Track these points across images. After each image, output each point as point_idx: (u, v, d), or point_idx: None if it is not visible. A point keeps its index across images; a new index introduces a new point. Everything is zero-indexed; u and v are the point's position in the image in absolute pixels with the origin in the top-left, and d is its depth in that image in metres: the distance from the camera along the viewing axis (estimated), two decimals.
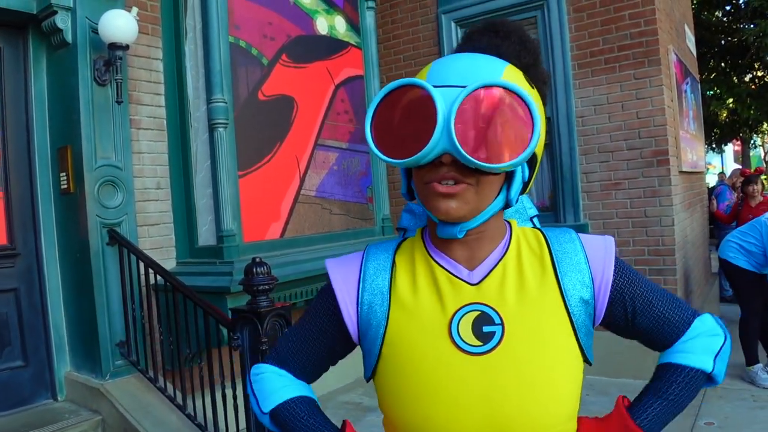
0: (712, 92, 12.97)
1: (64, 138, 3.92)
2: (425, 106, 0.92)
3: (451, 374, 0.98)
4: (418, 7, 6.09)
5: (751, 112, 13.16)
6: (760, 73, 14.79)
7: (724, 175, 13.06)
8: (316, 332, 1.16)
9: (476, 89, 0.91)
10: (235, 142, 4.20)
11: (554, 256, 1.05)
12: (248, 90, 4.36)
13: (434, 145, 0.90)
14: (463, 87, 0.92)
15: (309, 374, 1.21)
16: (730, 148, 24.63)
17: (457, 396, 0.98)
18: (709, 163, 23.23)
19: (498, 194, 1.00)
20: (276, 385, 1.17)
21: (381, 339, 1.04)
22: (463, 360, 0.98)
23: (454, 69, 0.96)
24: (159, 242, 4.29)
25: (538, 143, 0.93)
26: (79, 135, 3.80)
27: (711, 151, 18.55)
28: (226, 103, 4.12)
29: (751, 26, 11.58)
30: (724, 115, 14.88)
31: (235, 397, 3.32)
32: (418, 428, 1.01)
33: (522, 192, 1.04)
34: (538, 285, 1.03)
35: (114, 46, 3.76)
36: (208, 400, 3.49)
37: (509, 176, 1.00)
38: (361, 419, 4.38)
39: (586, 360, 1.05)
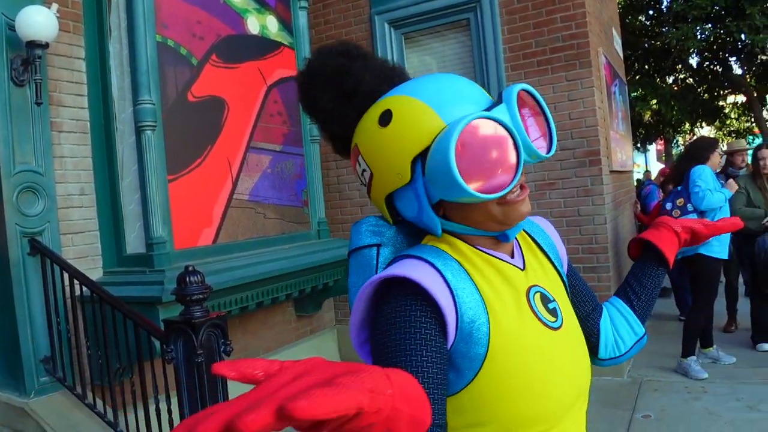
0: (636, 94, 13.41)
1: None
2: (496, 132, 0.95)
3: (553, 352, 1.02)
4: (351, 8, 6.03)
5: (674, 112, 13.70)
6: (682, 76, 15.41)
7: (651, 173, 13.50)
8: (430, 347, 0.93)
9: (519, 93, 1.00)
10: (164, 145, 4.04)
11: (535, 238, 1.19)
12: (177, 91, 4.21)
13: (522, 164, 0.97)
14: (493, 105, 0.99)
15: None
16: (653, 148, 25.55)
17: (561, 371, 1.02)
18: (635, 162, 24.02)
19: None
20: None
21: (487, 337, 0.97)
22: (553, 336, 1.03)
23: (467, 95, 1.01)
24: (84, 251, 4.09)
25: None
26: None
27: (636, 151, 19.17)
28: (153, 104, 3.96)
29: (674, 30, 12.00)
30: (649, 115, 15.43)
31: (170, 411, 3.19)
32: (544, 414, 1.00)
33: None
34: (540, 261, 1.15)
35: (32, 45, 3.55)
36: (141, 414, 3.34)
37: None
38: None
39: None
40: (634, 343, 1.27)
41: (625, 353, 1.27)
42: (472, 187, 0.92)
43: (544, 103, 1.04)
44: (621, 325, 1.28)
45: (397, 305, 0.96)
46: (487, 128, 0.94)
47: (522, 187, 1.02)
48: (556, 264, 1.17)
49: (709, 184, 5.00)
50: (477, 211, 1.01)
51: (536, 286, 1.07)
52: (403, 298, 0.96)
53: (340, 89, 1.11)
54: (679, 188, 5.32)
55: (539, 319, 1.02)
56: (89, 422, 3.55)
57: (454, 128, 0.92)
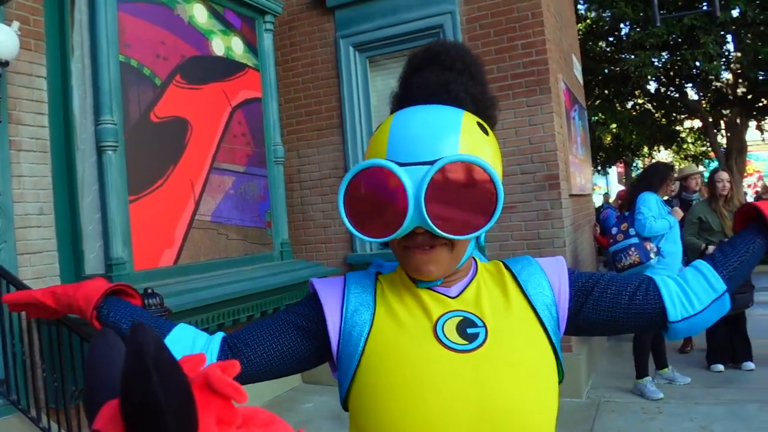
0: (597, 118, 13.68)
1: None
2: (395, 186, 1.00)
3: (439, 371, 1.03)
4: (317, 31, 6.09)
5: (633, 136, 14.03)
6: (640, 101, 15.78)
7: (609, 196, 13.75)
8: (288, 327, 1.16)
9: (441, 167, 0.98)
10: (126, 166, 4.02)
11: (515, 273, 1.16)
12: (140, 111, 4.19)
13: (409, 224, 1.00)
14: (428, 163, 1.00)
15: (258, 367, 1.15)
16: (614, 170, 26.02)
17: (447, 391, 1.02)
18: (595, 184, 24.44)
19: (469, 244, 1.10)
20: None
21: (365, 338, 1.07)
22: (450, 357, 1.04)
23: (416, 141, 1.03)
24: (42, 271, 4.03)
25: (499, 182, 1.02)
26: None
27: (597, 173, 19.52)
28: (115, 124, 3.94)
29: (632, 57, 12.32)
30: (608, 139, 15.74)
31: None
32: (410, 428, 1.02)
33: None
34: (507, 296, 1.13)
35: None
36: None
37: None
38: None
39: (558, 362, 1.12)
40: (713, 301, 1.15)
41: (700, 311, 1.15)
42: (355, 226, 1.05)
43: (492, 176, 1.01)
44: (696, 283, 1.17)
45: (299, 300, 1.21)
46: (381, 175, 1.02)
47: (432, 246, 1.05)
48: (533, 302, 1.12)
49: (652, 210, 5.13)
50: (392, 246, 1.13)
51: (461, 311, 1.09)
52: (302, 299, 1.20)
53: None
54: (626, 214, 5.45)
55: (437, 338, 1.05)
56: None
57: (354, 168, 1.04)
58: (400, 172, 0.99)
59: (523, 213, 5.25)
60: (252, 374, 1.14)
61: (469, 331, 1.06)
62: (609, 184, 26.48)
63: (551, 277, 1.16)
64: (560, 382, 1.13)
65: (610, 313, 1.17)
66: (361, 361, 1.06)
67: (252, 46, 5.30)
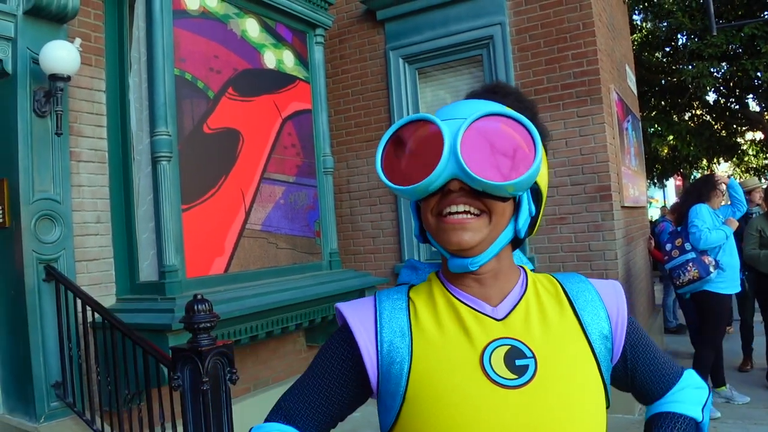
0: (653, 129, 13.40)
1: (0, 170, 3.79)
2: (433, 137, 0.97)
3: (489, 409, 0.96)
4: (367, 43, 6.16)
5: (691, 149, 13.65)
6: (698, 112, 15.38)
7: (666, 209, 13.43)
8: (331, 381, 1.09)
9: (478, 118, 0.96)
10: (179, 176, 4.13)
11: (570, 295, 1.09)
12: (193, 123, 4.31)
13: (442, 170, 0.95)
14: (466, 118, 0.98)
15: (320, 430, 1.12)
16: (672, 183, 25.42)
17: (496, 429, 0.96)
18: (652, 197, 23.92)
19: (507, 225, 1.03)
20: None
21: (406, 377, 1.00)
22: (499, 394, 0.97)
23: (459, 107, 1.03)
24: (98, 278, 4.16)
25: (540, 169, 0.98)
26: (17, 167, 3.68)
27: (653, 186, 19.10)
28: (170, 135, 4.06)
29: (690, 67, 12.04)
30: (665, 151, 15.38)
31: None
32: None
33: (531, 230, 1.10)
34: (560, 320, 1.05)
35: (55, 77, 3.67)
36: None
37: (516, 208, 1.04)
38: None
39: (606, 395, 1.07)
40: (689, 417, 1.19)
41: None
42: (387, 176, 1.01)
43: (531, 130, 0.97)
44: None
45: (330, 338, 1.13)
46: (421, 129, 1.00)
47: (468, 212, 0.99)
48: (588, 330, 1.06)
49: (706, 222, 4.99)
50: (424, 220, 1.06)
51: (509, 338, 1.01)
52: (336, 333, 1.13)
53: None
54: (678, 228, 5.31)
55: (484, 372, 0.98)
56: None
57: (398, 123, 1.02)
58: (439, 121, 0.97)
59: (574, 225, 5.18)
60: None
61: (518, 363, 0.99)
62: (666, 197, 25.89)
63: (609, 307, 1.10)
64: (607, 407, 1.08)
65: (630, 378, 1.18)
66: (404, 402, 1.00)
67: (303, 59, 5.39)
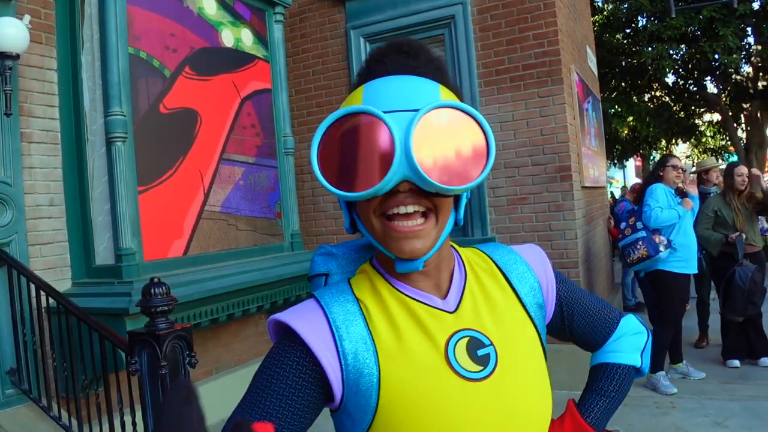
0: (613, 110, 13.57)
1: None
2: (379, 133, 0.88)
3: (464, 406, 0.94)
4: (327, 22, 6.08)
5: (650, 129, 13.89)
6: (657, 93, 15.64)
7: (627, 189, 13.65)
8: (287, 399, 0.92)
9: (429, 111, 0.88)
10: (135, 157, 4.04)
11: (503, 270, 1.08)
12: (149, 102, 4.21)
13: (394, 174, 0.87)
14: (413, 110, 0.89)
15: None
16: (632, 163, 25.84)
17: (472, 425, 0.94)
18: (613, 178, 24.30)
19: (449, 217, 0.98)
20: None
21: (377, 388, 0.93)
22: (471, 388, 0.95)
23: (395, 92, 0.92)
24: (53, 262, 4.06)
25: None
26: None
27: (613, 166, 19.39)
28: (124, 116, 3.96)
29: (649, 49, 12.18)
30: (625, 132, 15.62)
31: (134, 424, 3.17)
32: None
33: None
34: (503, 300, 1.05)
35: (3, 56, 3.57)
36: (106, 428, 3.32)
37: (457, 197, 1.00)
38: None
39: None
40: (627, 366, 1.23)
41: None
42: (328, 180, 0.91)
43: (483, 124, 0.91)
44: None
45: (276, 350, 0.96)
46: (361, 123, 0.90)
47: (424, 215, 0.94)
48: (524, 300, 1.07)
49: (660, 202, 5.04)
50: (363, 218, 0.98)
51: (466, 330, 0.98)
52: (284, 346, 0.96)
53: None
54: (635, 207, 5.38)
55: (452, 369, 0.95)
56: None
57: (332, 116, 0.90)
58: (384, 116, 0.88)
59: (534, 205, 5.21)
60: None
61: (480, 353, 0.97)
62: (627, 178, 26.33)
63: (539, 274, 1.11)
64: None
65: (568, 331, 1.20)
66: (377, 415, 0.94)
67: (262, 38, 5.31)
